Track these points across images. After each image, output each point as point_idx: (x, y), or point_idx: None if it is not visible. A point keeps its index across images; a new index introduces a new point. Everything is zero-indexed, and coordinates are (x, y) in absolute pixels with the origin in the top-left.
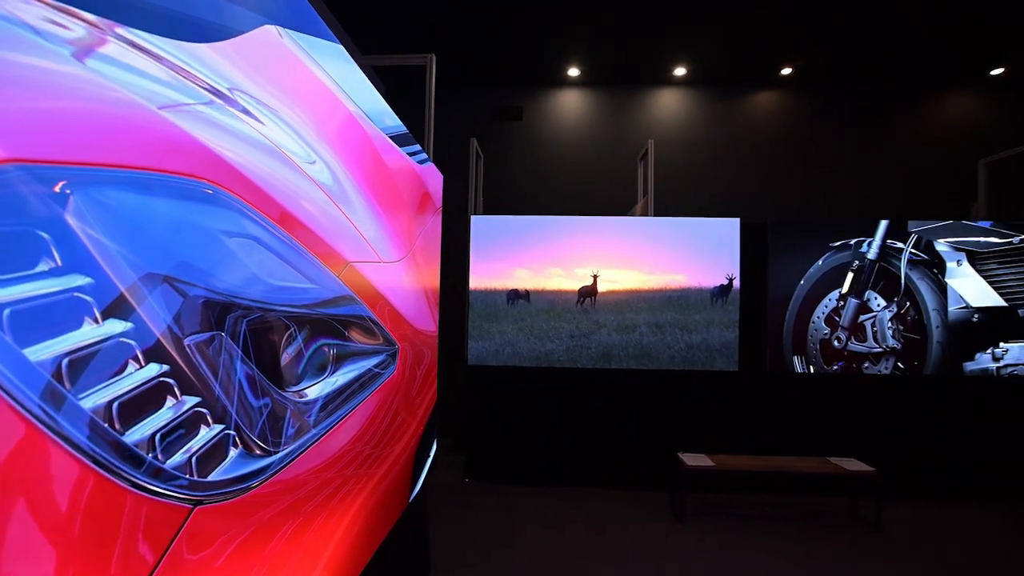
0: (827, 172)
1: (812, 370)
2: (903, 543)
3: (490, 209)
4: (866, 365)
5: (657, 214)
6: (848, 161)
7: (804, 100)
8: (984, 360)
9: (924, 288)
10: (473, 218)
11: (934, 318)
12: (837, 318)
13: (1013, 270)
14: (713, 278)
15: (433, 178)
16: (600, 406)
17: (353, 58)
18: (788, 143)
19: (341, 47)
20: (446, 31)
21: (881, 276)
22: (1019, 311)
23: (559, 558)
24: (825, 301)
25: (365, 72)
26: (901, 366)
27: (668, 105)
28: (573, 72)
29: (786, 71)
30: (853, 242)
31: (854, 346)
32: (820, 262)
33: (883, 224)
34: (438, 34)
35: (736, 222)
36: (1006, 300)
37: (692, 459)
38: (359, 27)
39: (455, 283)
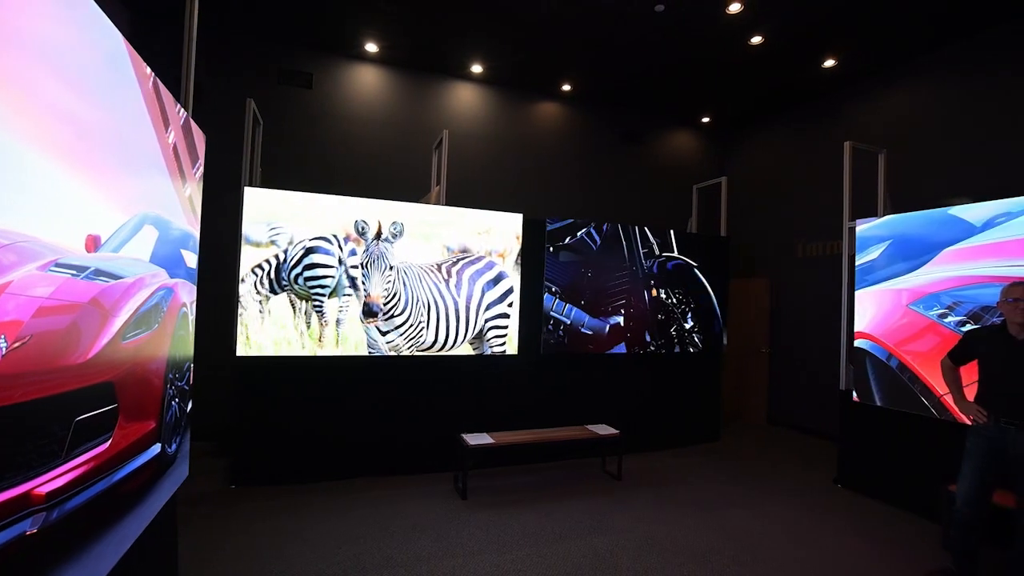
0: (595, 180)
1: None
2: (634, 485)
3: (269, 182)
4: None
5: (449, 203)
6: (612, 173)
7: (580, 115)
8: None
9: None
10: (247, 190)
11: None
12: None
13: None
14: (498, 267)
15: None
16: (386, 393)
17: None
18: (565, 151)
19: None
20: None
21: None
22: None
23: (343, 551)
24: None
25: None
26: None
27: (464, 99)
28: (371, 47)
29: (567, 87)
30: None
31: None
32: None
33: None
34: None
35: (519, 217)
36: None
37: (474, 438)
38: None
39: (221, 262)
